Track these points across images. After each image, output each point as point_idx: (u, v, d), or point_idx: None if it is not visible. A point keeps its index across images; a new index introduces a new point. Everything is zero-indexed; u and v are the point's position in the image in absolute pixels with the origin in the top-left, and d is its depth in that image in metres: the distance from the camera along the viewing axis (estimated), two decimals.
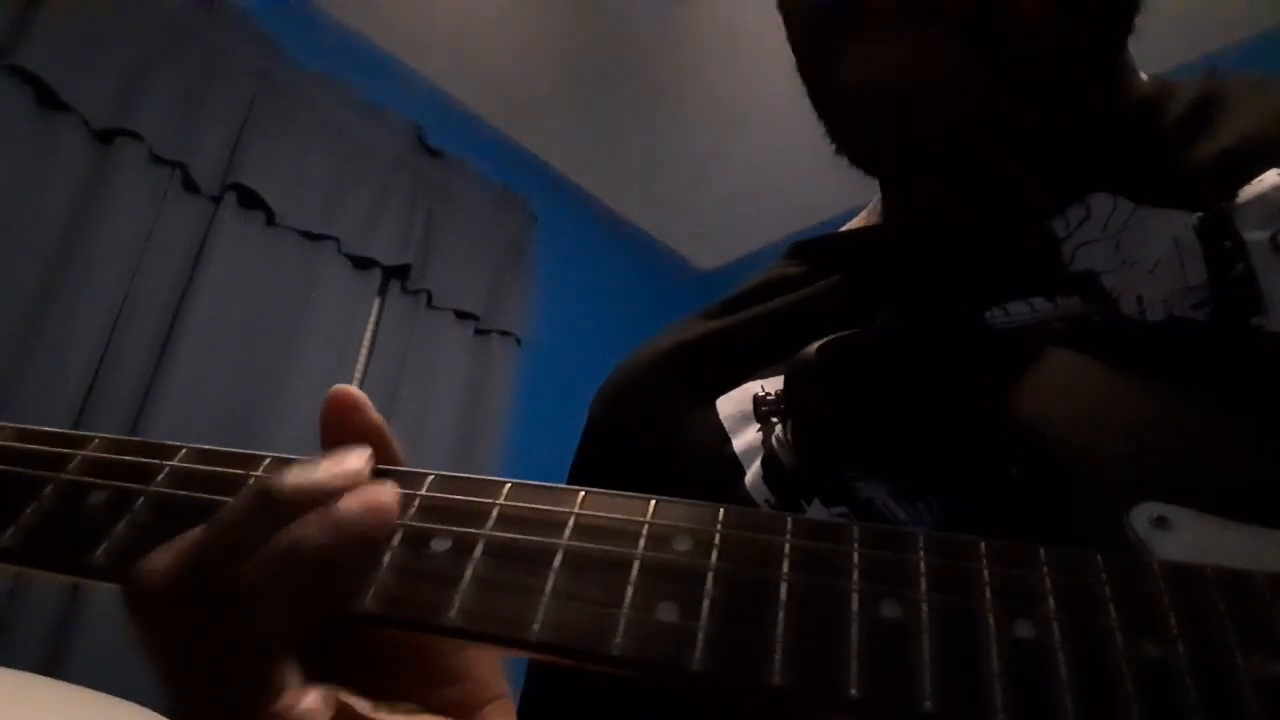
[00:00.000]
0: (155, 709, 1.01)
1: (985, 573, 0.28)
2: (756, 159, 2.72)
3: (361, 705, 0.30)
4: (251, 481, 0.33)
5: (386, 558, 0.30)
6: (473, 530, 0.30)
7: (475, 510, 0.31)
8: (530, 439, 2.40)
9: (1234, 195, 0.41)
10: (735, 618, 0.27)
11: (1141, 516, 0.32)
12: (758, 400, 0.48)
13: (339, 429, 0.35)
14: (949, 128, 0.45)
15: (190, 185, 1.96)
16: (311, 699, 0.28)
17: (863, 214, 0.59)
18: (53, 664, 1.50)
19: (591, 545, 0.29)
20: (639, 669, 0.27)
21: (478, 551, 0.30)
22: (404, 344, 2.25)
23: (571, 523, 0.30)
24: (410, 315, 2.29)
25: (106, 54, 1.86)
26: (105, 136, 1.85)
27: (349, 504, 0.30)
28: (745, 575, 0.28)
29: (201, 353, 1.87)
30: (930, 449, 0.40)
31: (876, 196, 0.58)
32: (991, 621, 0.26)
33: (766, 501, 0.45)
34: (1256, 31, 2.04)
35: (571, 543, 0.30)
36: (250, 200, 2.03)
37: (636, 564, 0.29)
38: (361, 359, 2.22)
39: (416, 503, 0.32)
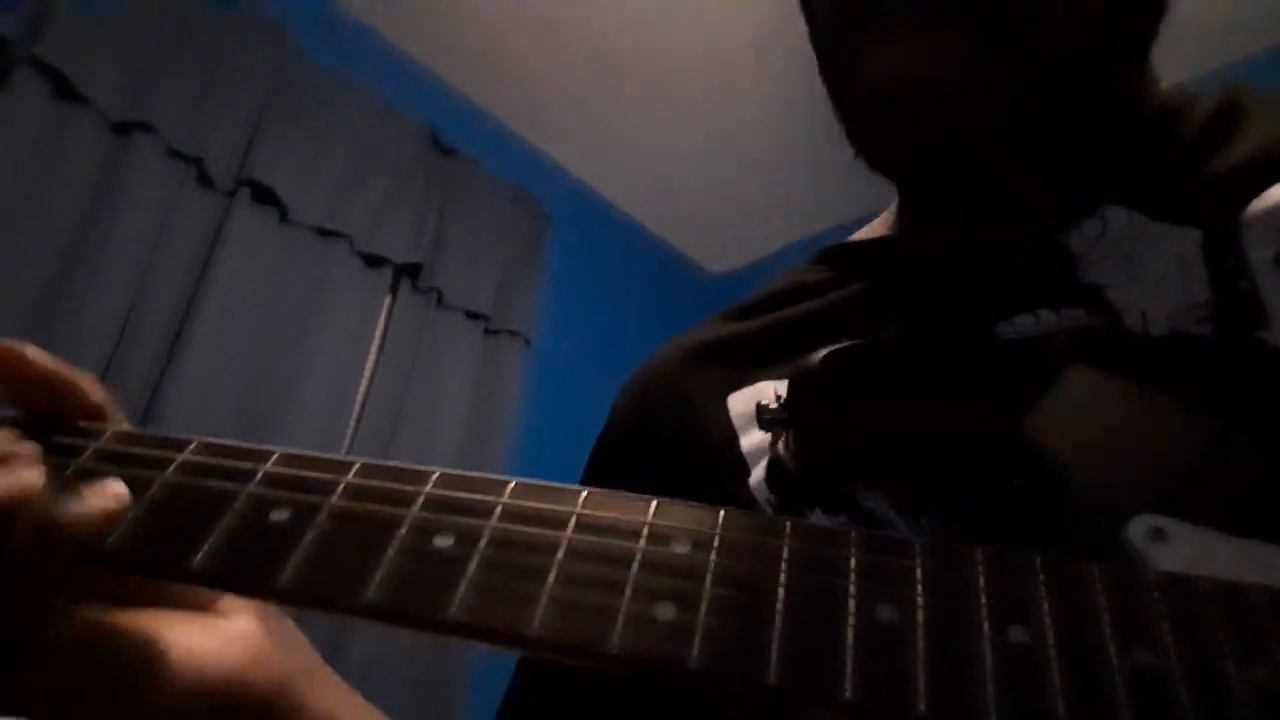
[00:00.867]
0: None
1: (981, 579, 0.28)
2: (768, 164, 2.72)
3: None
4: None
5: (390, 550, 0.30)
6: (478, 524, 0.31)
7: (478, 507, 0.32)
8: (538, 439, 2.40)
9: (1241, 211, 0.41)
10: (733, 617, 0.27)
11: (1139, 528, 0.32)
12: (761, 409, 0.48)
13: (12, 385, 0.38)
14: (963, 129, 0.45)
15: (205, 180, 1.97)
16: None
17: (883, 216, 0.60)
18: None
19: (592, 543, 0.30)
20: (637, 667, 0.27)
21: (480, 547, 0.30)
22: (414, 342, 2.26)
23: (573, 522, 0.31)
24: (421, 314, 2.29)
25: (123, 47, 1.87)
26: (121, 129, 1.86)
27: None
28: (743, 576, 0.28)
29: (213, 347, 1.88)
30: (931, 460, 0.40)
31: (895, 201, 0.58)
32: (986, 626, 0.27)
33: (768, 502, 0.45)
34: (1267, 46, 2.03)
35: (573, 540, 0.30)
36: (264, 196, 2.04)
37: (636, 562, 0.29)
38: (371, 356, 2.23)
39: (421, 499, 0.32)
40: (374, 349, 2.24)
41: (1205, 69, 1.50)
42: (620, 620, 0.27)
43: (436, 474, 0.33)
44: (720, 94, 2.53)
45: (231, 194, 2.01)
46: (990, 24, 0.42)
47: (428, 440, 2.19)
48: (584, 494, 0.32)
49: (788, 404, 0.47)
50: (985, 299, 0.45)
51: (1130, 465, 0.36)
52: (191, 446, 0.35)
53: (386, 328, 2.27)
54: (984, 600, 0.27)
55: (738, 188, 2.85)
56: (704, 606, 0.28)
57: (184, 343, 1.84)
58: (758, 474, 0.47)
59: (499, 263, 2.47)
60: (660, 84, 2.54)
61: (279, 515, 0.31)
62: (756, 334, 0.54)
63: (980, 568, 0.28)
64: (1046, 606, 0.27)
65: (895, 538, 0.29)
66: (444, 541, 0.30)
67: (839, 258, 0.56)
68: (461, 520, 0.31)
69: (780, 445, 0.46)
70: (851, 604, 0.27)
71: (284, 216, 2.07)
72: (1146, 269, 0.42)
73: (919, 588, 0.28)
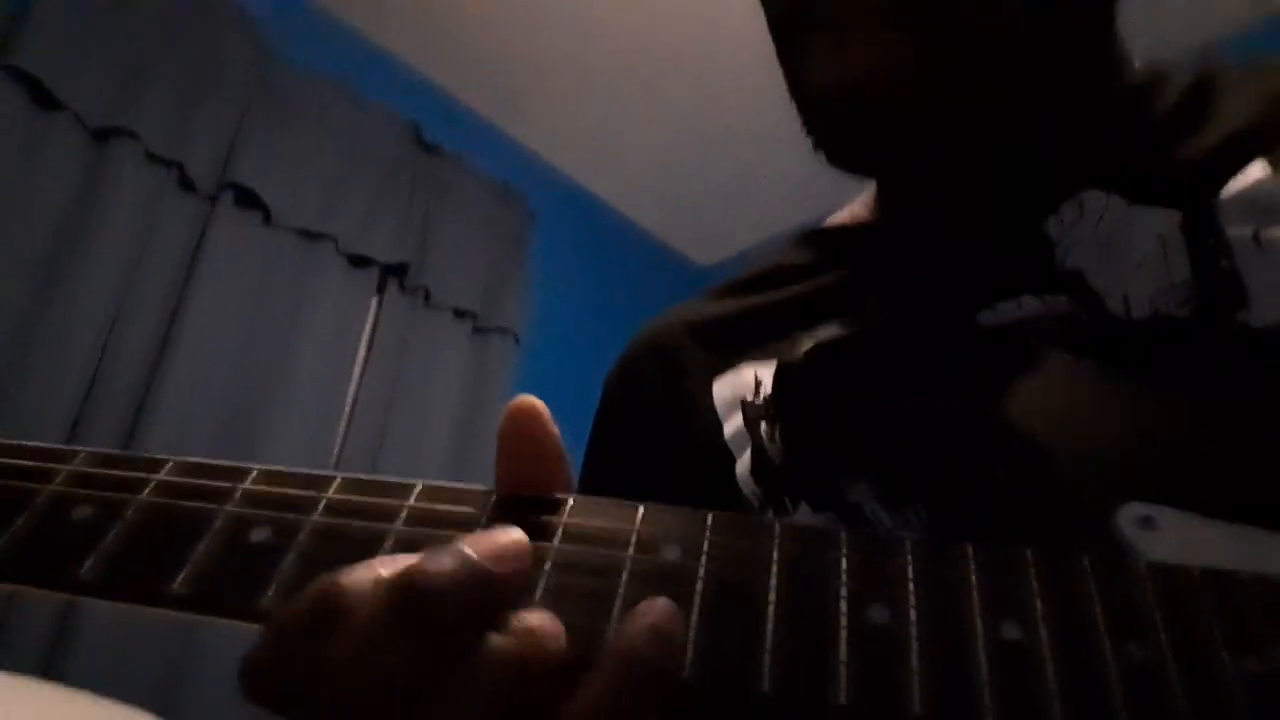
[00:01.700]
0: (154, 712, 1.01)
1: (973, 576, 0.28)
2: (754, 154, 2.72)
3: None
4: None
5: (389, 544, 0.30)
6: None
7: (458, 520, 0.31)
8: None
9: (1220, 190, 0.41)
10: (724, 625, 0.27)
11: (1128, 517, 0.32)
12: (745, 405, 0.48)
13: (518, 442, 0.32)
14: (910, 129, 0.45)
15: (186, 184, 1.95)
16: None
17: (862, 196, 0.59)
18: (50, 668, 1.50)
19: (580, 552, 0.29)
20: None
21: None
22: (402, 342, 2.25)
23: (560, 531, 0.30)
24: (408, 313, 2.28)
25: (102, 53, 1.86)
26: (101, 135, 1.85)
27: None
28: (734, 582, 0.28)
29: (199, 352, 1.87)
30: (917, 450, 0.40)
31: (872, 186, 0.58)
32: (979, 624, 0.27)
33: (754, 494, 0.45)
34: (1264, 14, 2.02)
35: (561, 549, 0.30)
36: (247, 199, 2.02)
37: (625, 571, 0.29)
38: (360, 357, 2.22)
39: (404, 513, 0.31)
40: (362, 349, 2.23)
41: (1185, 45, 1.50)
42: (611, 630, 0.27)
43: (419, 486, 0.32)
44: (705, 85, 2.52)
45: (214, 198, 1.99)
46: (926, 24, 0.42)
47: (418, 440, 2.18)
48: (570, 501, 0.32)
49: (773, 397, 0.47)
50: (966, 286, 0.45)
51: (1116, 452, 0.36)
52: (169, 467, 0.34)
53: (374, 328, 2.26)
54: (976, 598, 0.27)
55: (724, 179, 2.85)
56: (694, 614, 0.27)
57: (170, 349, 1.83)
58: (743, 464, 0.47)
59: (486, 260, 2.46)
60: (644, 76, 2.53)
61: (260, 535, 0.30)
62: (741, 316, 0.54)
63: (971, 565, 0.28)
64: (1039, 602, 0.27)
65: (885, 537, 0.29)
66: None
67: (820, 241, 0.56)
68: (444, 534, 0.30)
69: (764, 435, 0.46)
70: (843, 606, 0.27)
71: (268, 219, 2.06)
72: (1126, 251, 0.42)
73: (911, 587, 0.28)
